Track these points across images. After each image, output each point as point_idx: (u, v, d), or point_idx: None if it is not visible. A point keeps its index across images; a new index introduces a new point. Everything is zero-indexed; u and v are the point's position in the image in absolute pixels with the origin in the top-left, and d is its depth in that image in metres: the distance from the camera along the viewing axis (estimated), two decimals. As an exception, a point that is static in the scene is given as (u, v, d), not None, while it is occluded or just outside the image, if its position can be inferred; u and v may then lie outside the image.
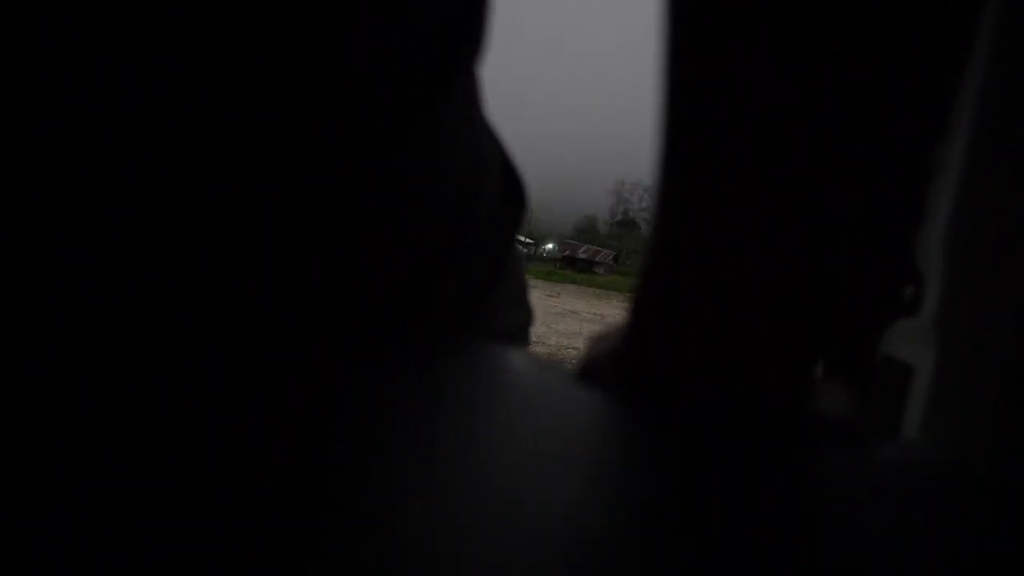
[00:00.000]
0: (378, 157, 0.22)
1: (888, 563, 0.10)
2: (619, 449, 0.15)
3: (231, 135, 0.18)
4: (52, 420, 0.11)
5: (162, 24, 0.16)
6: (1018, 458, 0.40)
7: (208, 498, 0.09)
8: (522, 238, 0.37)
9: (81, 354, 0.15)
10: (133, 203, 0.16)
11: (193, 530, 0.09)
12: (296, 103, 0.19)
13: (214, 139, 0.18)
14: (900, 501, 0.14)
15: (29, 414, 0.11)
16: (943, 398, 0.42)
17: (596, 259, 41.23)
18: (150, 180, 0.16)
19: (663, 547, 0.10)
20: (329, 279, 0.21)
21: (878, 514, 0.13)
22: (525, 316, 0.38)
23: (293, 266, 0.20)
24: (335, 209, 0.21)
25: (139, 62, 0.16)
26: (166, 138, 0.17)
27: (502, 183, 0.31)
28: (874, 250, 0.21)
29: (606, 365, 0.21)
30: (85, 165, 0.16)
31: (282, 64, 0.18)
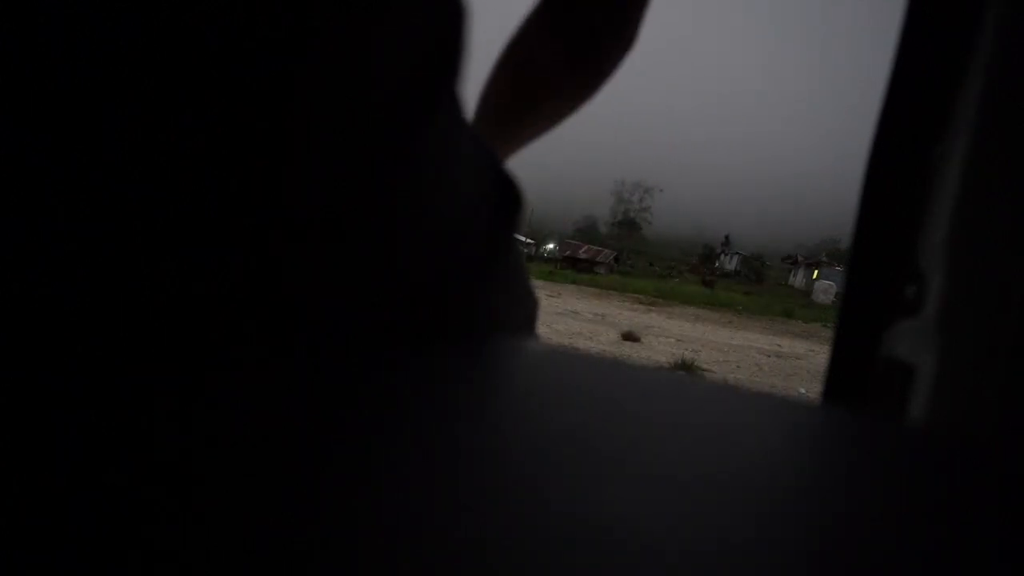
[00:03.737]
0: (373, 166, 0.23)
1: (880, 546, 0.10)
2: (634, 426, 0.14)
3: (233, 135, 0.18)
4: (49, 421, 0.11)
5: (159, 32, 0.16)
6: (1020, 458, 0.40)
7: (212, 497, 0.09)
8: (523, 238, 0.37)
9: (80, 355, 0.15)
10: (139, 206, 0.16)
11: (192, 530, 0.08)
12: (285, 112, 0.19)
13: (219, 139, 0.18)
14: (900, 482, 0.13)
15: (25, 415, 0.11)
16: (945, 398, 0.42)
17: (597, 259, 41.19)
18: (151, 188, 0.17)
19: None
20: (329, 283, 0.22)
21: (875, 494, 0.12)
22: (530, 306, 0.39)
23: (288, 270, 0.20)
24: (332, 216, 0.21)
25: (138, 66, 0.16)
26: (164, 144, 0.17)
27: (496, 187, 0.32)
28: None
29: None
30: (91, 160, 0.16)
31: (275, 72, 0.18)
